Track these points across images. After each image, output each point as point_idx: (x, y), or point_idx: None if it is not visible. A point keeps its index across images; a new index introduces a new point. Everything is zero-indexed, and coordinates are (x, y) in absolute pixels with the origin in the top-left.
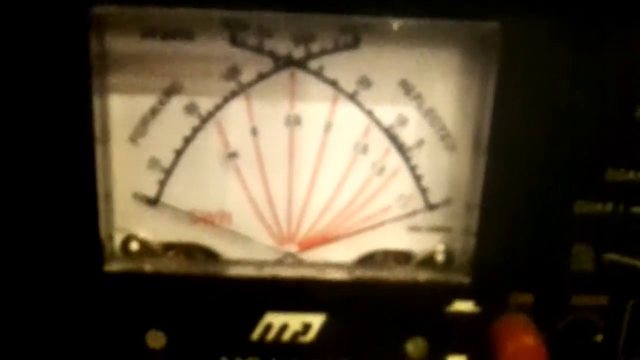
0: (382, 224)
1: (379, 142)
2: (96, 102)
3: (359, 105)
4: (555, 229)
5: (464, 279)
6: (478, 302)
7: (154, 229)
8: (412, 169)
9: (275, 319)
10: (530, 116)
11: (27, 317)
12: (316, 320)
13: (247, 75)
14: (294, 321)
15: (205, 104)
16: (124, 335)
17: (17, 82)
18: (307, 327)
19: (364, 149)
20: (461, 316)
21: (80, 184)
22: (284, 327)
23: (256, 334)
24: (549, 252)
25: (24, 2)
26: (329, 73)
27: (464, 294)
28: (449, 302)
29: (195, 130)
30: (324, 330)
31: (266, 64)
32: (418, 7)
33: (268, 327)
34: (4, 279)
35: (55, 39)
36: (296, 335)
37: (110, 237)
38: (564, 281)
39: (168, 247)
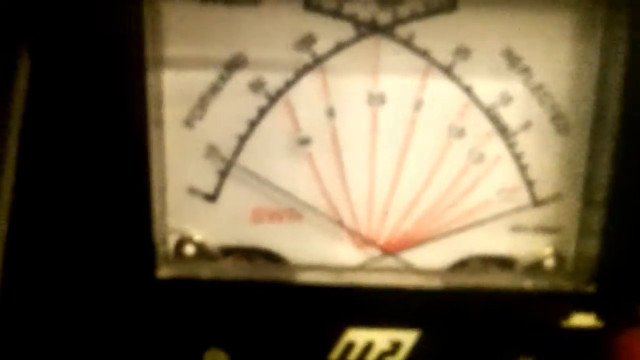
0: (480, 222)
1: (478, 124)
2: (149, 79)
3: (455, 79)
4: None
5: (584, 287)
6: (600, 314)
7: (211, 229)
8: (517, 157)
9: (358, 336)
10: None
11: (70, 330)
12: (407, 338)
13: (323, 45)
14: (380, 339)
15: (274, 80)
16: (178, 356)
17: (59, 57)
18: (396, 346)
19: (460, 133)
20: (580, 331)
21: (132, 176)
22: (368, 346)
23: (335, 354)
24: None
25: None
26: (420, 42)
27: (583, 305)
28: (566, 314)
29: (262, 112)
30: (416, 349)
31: (346, 31)
32: None
33: (350, 346)
34: (48, 286)
35: (104, 5)
36: (383, 355)
37: (164, 239)
38: None
39: (228, 251)
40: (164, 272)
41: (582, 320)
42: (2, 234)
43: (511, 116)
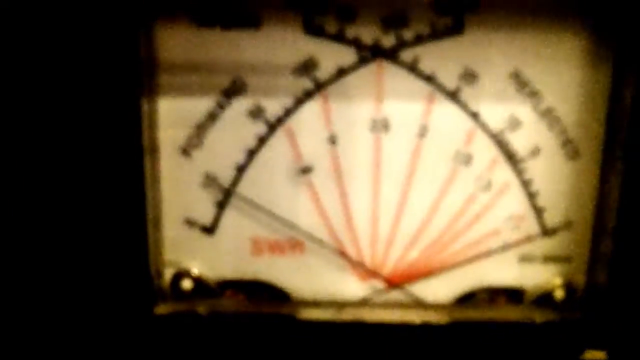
0: (487, 253)
1: (485, 151)
2: (143, 106)
3: (461, 104)
4: None
5: (594, 319)
6: (613, 350)
7: (209, 262)
8: (525, 183)
9: None
10: None
11: None
12: None
13: (324, 70)
14: None
15: (274, 106)
16: None
17: (51, 81)
18: None
19: (467, 160)
20: None
21: (126, 206)
22: None
23: None
24: None
25: None
26: (425, 66)
27: (594, 340)
28: (578, 350)
29: (261, 140)
30: None
31: (348, 55)
32: None
33: None
34: (45, 324)
35: (99, 29)
36: None
37: (159, 273)
38: None
39: (226, 284)
40: (160, 308)
41: (594, 355)
42: None
43: (519, 142)
